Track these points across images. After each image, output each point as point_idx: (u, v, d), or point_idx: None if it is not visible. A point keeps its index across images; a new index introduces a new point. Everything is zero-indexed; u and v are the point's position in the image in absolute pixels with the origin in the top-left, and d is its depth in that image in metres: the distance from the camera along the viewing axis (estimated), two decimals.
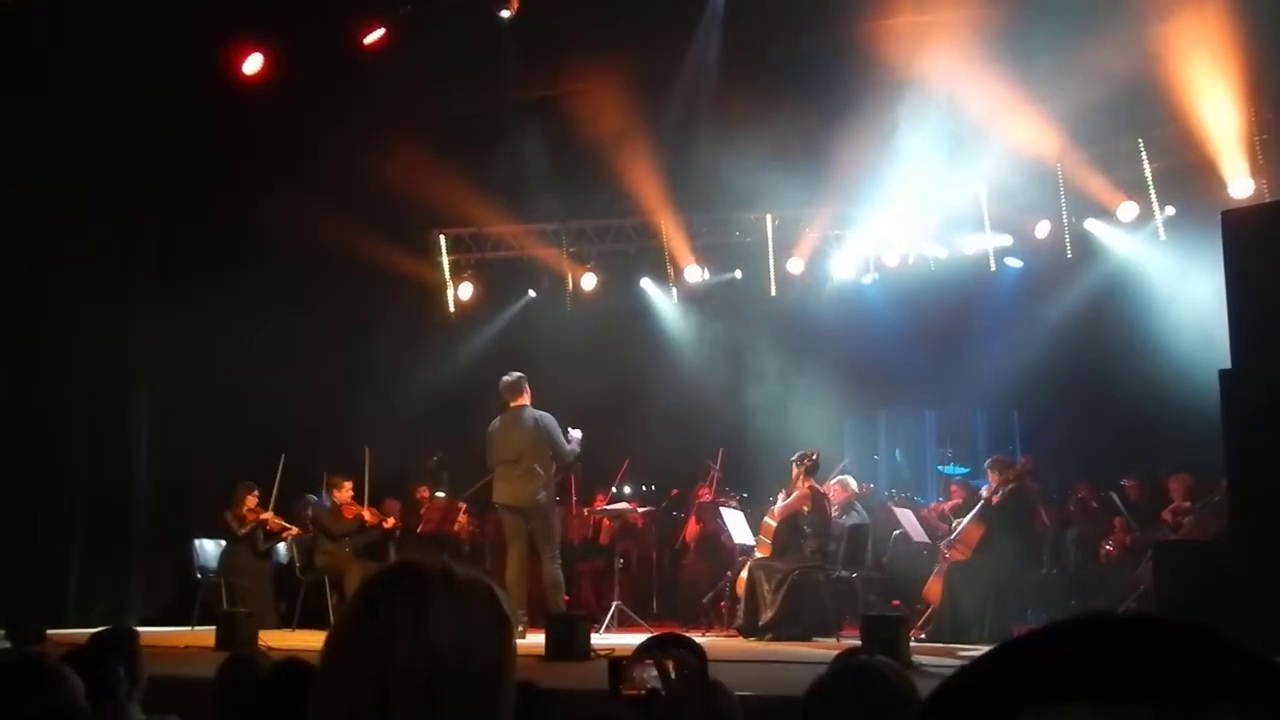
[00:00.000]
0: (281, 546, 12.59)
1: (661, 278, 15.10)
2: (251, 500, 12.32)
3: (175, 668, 7.12)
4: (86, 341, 12.20)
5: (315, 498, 12.83)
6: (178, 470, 12.63)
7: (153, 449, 12.67)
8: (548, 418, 10.39)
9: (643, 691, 2.53)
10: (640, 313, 15.16)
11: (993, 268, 13.86)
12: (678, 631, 3.66)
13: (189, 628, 11.31)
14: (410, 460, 13.82)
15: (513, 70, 12.71)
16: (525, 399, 10.45)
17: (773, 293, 14.70)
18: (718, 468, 13.20)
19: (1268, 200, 10.88)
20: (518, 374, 10.58)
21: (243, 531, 12.30)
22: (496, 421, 10.51)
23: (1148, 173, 12.49)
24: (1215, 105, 11.26)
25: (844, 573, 11.04)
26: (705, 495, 13.21)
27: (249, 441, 12.60)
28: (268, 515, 12.42)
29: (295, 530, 12.60)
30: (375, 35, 12.35)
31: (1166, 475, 11.40)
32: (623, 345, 14.50)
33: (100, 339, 12.29)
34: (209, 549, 12.43)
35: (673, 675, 2.52)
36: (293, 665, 3.31)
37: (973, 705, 0.70)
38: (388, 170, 12.55)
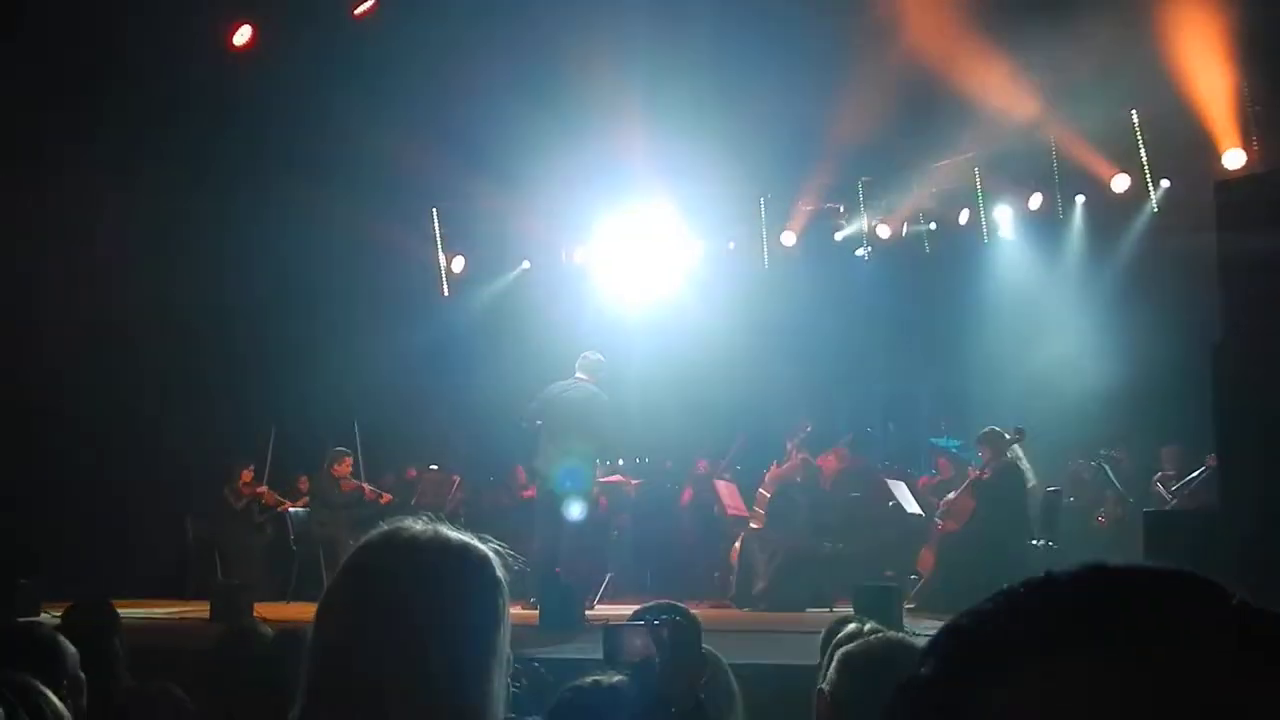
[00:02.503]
0: (301, 510, 12.64)
1: (656, 250, 15.07)
2: (248, 475, 12.44)
3: (171, 639, 7.15)
4: (82, 311, 12.18)
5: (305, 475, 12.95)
6: (173, 443, 12.64)
7: (148, 421, 12.67)
8: (603, 397, 10.35)
9: (637, 660, 2.54)
10: (634, 285, 15.13)
11: (985, 239, 13.86)
12: (672, 601, 3.68)
13: (183, 600, 11.34)
14: (404, 433, 13.85)
15: (507, 41, 12.63)
16: (590, 378, 10.41)
17: (765, 265, 14.69)
18: (734, 450, 13.18)
19: (1261, 170, 10.87)
20: (600, 357, 10.53)
21: (239, 505, 12.39)
22: (553, 387, 10.43)
23: (1141, 144, 12.47)
24: (1209, 76, 11.24)
25: (837, 543, 11.08)
26: (702, 466, 13.23)
27: (242, 415, 12.64)
28: (264, 489, 12.52)
29: (288, 504, 12.69)
30: (366, 5, 12.28)
31: (1158, 446, 11.44)
32: (616, 317, 14.48)
33: (94, 316, 12.27)
34: (203, 521, 12.47)
35: (667, 643, 2.53)
36: (294, 635, 3.32)
37: (972, 648, 0.71)
38: (381, 143, 12.49)
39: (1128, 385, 11.89)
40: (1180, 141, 11.97)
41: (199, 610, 9.58)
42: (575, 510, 10.46)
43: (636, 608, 3.25)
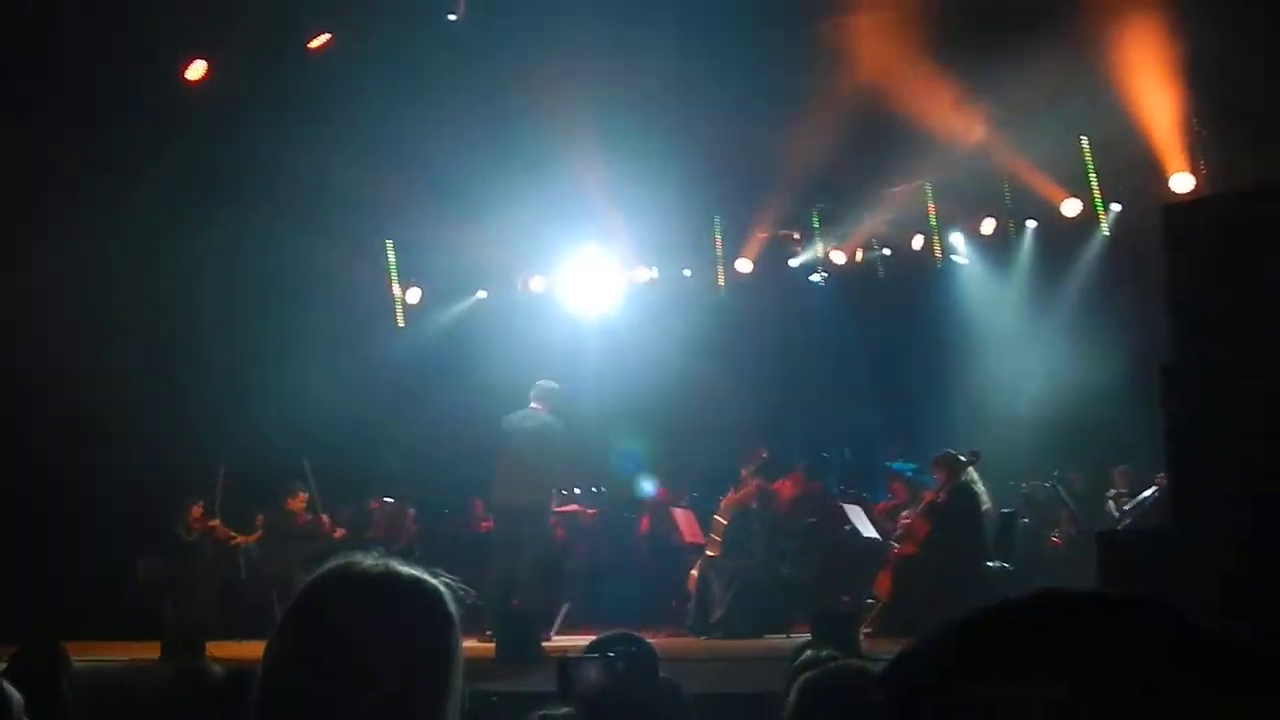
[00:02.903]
0: (253, 545, 12.54)
1: (611, 278, 15.08)
2: (197, 511, 12.31)
3: (121, 680, 7.03)
4: (26, 348, 12.01)
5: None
6: (122, 479, 12.48)
7: (98, 457, 12.50)
8: (558, 426, 10.33)
9: (592, 693, 2.51)
10: (589, 312, 15.12)
11: (939, 265, 13.98)
12: (628, 631, 3.66)
13: (134, 639, 11.16)
14: (360, 466, 13.73)
15: (460, 74, 12.62)
16: (545, 407, 10.38)
17: (721, 291, 14.73)
18: (694, 477, 13.17)
19: (1208, 193, 11.03)
20: (554, 385, 10.51)
21: (190, 540, 12.25)
22: (510, 418, 10.41)
23: (1091, 169, 12.62)
24: (1155, 101, 11.40)
25: (795, 569, 11.08)
26: (660, 494, 13.21)
27: (193, 448, 12.49)
28: (215, 524, 12.39)
29: (240, 539, 12.55)
30: (321, 40, 12.25)
31: (1111, 466, 11.55)
32: (571, 346, 14.47)
33: (39, 351, 12.10)
34: (155, 558, 12.32)
35: (623, 675, 2.51)
36: (245, 675, 3.28)
37: (930, 671, 0.71)
38: (335, 176, 12.43)
39: (1081, 407, 12.00)
40: (1130, 166, 12.13)
41: (150, 650, 9.43)
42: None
43: (593, 638, 3.23)
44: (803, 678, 2.80)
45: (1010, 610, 0.71)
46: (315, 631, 1.49)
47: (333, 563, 1.58)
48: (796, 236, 14.76)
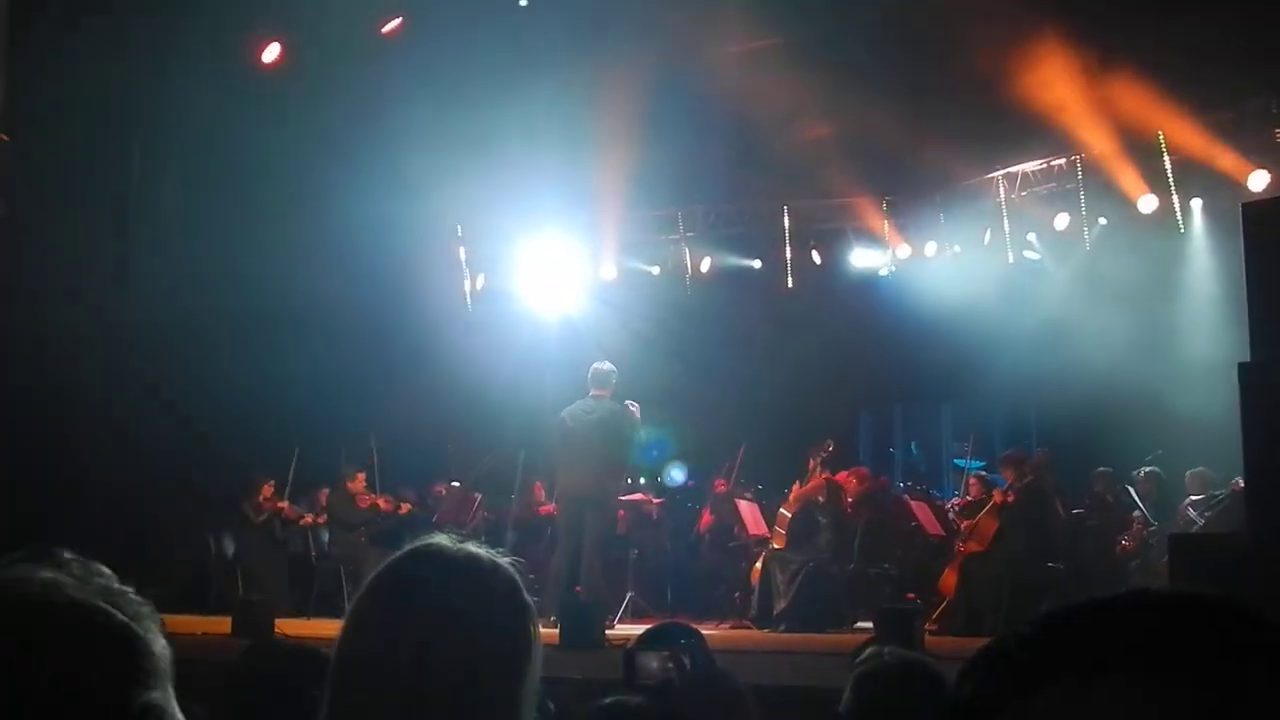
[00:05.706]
0: (322, 526, 12.73)
1: (678, 267, 15.05)
2: (268, 490, 12.47)
3: (191, 654, 7.16)
4: (103, 328, 12.24)
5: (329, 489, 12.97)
6: (195, 457, 12.66)
7: (169, 437, 12.70)
8: (624, 412, 10.30)
9: (657, 681, 2.53)
10: (655, 303, 15.09)
11: (1010, 260, 13.80)
12: (687, 622, 3.67)
13: (205, 614, 11.36)
14: (423, 451, 13.83)
15: (532, 59, 12.66)
16: (608, 392, 10.38)
17: (789, 284, 14.65)
18: (737, 462, 13.11)
19: None
20: (610, 366, 10.51)
21: (259, 520, 12.43)
22: (573, 408, 10.38)
23: (1168, 165, 12.41)
24: (1234, 98, 11.22)
25: (859, 565, 11.04)
26: (721, 487, 13.19)
27: (264, 432, 12.65)
28: (284, 504, 12.55)
29: (309, 518, 12.72)
30: (393, 24, 12.37)
31: (1183, 469, 11.37)
32: (637, 335, 14.46)
33: (114, 327, 12.32)
34: (226, 536, 12.52)
35: (688, 666, 2.53)
36: (316, 651, 3.33)
37: (1012, 670, 0.71)
38: (410, 161, 12.52)
39: (1155, 407, 11.82)
40: (1209, 161, 11.92)
41: (220, 625, 9.60)
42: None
43: (644, 629, 3.26)
44: (860, 670, 2.80)
45: (1101, 608, 0.71)
46: (398, 608, 1.50)
47: (415, 543, 1.59)
48: (865, 229, 14.63)
